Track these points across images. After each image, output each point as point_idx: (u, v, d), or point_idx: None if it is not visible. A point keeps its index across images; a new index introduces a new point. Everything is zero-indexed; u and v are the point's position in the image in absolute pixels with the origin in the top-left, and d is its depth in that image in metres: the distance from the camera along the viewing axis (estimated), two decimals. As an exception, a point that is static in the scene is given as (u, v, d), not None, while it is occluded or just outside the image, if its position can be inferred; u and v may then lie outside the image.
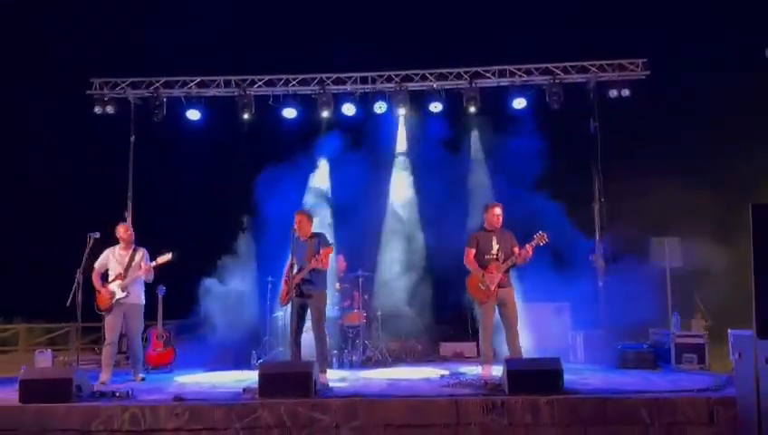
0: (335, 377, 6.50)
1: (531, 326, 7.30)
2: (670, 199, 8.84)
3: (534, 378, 5.00)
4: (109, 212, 9.28)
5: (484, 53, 9.39)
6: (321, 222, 8.60)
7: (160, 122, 9.32)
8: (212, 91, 9.42)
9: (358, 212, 9.03)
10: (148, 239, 6.92)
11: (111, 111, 9.28)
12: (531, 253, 6.24)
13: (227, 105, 9.38)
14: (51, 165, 12.02)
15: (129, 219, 9.04)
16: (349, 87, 9.29)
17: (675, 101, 9.85)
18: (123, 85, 9.33)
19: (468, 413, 4.81)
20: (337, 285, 8.28)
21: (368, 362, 7.87)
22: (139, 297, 6.72)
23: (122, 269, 6.61)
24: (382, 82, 9.24)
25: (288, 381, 5.06)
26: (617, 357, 7.16)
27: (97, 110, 9.28)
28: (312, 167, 9.35)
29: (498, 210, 6.44)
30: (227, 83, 9.38)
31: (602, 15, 10.32)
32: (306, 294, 6.13)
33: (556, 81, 8.95)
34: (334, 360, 7.70)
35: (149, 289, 6.93)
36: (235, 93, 9.32)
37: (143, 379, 6.65)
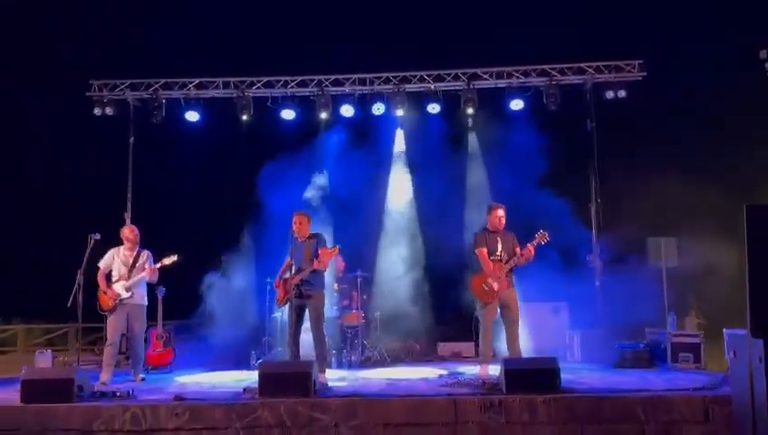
0: (334, 377, 6.54)
1: (528, 326, 7.34)
2: (667, 200, 8.90)
3: (531, 377, 5.05)
4: (108, 213, 9.33)
5: (481, 54, 9.44)
6: (321, 223, 8.63)
7: (159, 124, 9.37)
8: (211, 93, 9.46)
9: (357, 212, 9.07)
10: (147, 240, 6.95)
11: (111, 113, 9.31)
12: (533, 252, 6.30)
13: (226, 107, 9.42)
14: (50, 166, 12.03)
15: (129, 220, 9.07)
16: (347, 88, 9.33)
17: (672, 101, 9.90)
18: (122, 87, 9.36)
19: (466, 412, 4.85)
20: (336, 285, 8.31)
21: (367, 362, 7.91)
22: (143, 298, 6.77)
23: (127, 270, 6.66)
24: (380, 84, 9.29)
25: (288, 381, 5.10)
26: (614, 356, 7.22)
27: (96, 111, 9.31)
28: (311, 168, 9.38)
29: (501, 212, 6.50)
30: (226, 85, 9.42)
31: (599, 17, 10.36)
32: (305, 294, 6.18)
33: (553, 82, 9.01)
34: (333, 360, 7.73)
35: (149, 290, 6.96)
36: (234, 95, 9.36)
37: (143, 379, 6.69)
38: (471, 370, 6.93)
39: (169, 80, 9.39)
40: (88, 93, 9.36)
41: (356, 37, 10.51)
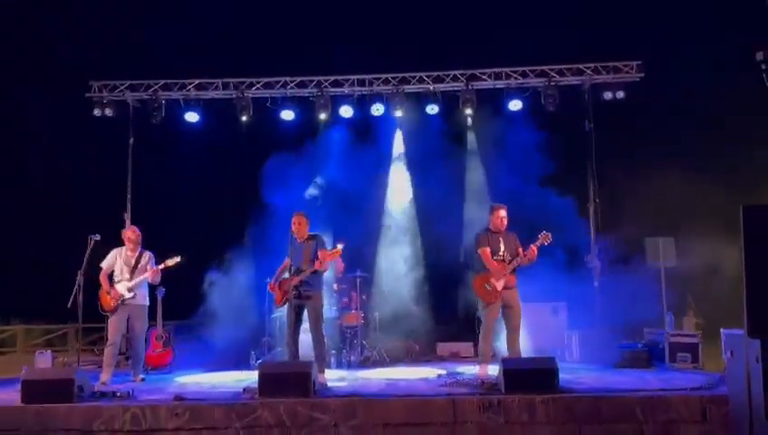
0: (334, 377, 6.56)
1: (527, 326, 7.35)
2: (665, 200, 8.92)
3: (530, 377, 5.07)
4: (108, 214, 9.35)
5: (480, 55, 9.47)
6: (320, 223, 8.65)
7: (159, 125, 9.39)
8: (210, 94, 9.48)
9: (356, 213, 9.09)
10: (146, 240, 6.96)
11: (110, 114, 9.34)
12: (536, 253, 6.33)
13: (225, 107, 9.43)
14: (50, 166, 12.04)
15: (128, 221, 9.09)
16: (346, 89, 9.35)
17: (670, 101, 9.92)
18: (122, 88, 9.38)
19: (465, 412, 4.88)
20: (335, 285, 8.34)
21: (366, 363, 7.93)
22: (145, 298, 6.80)
23: (129, 270, 6.69)
24: (379, 85, 9.31)
25: (287, 381, 5.13)
26: (612, 356, 7.24)
27: (96, 112, 9.33)
28: (310, 169, 9.40)
29: (503, 213, 6.53)
30: (225, 86, 9.44)
31: (597, 18, 10.38)
32: (304, 295, 6.20)
33: (551, 83, 9.04)
34: (333, 360, 7.76)
35: (149, 290, 6.98)
36: (234, 96, 9.38)
37: (143, 379, 6.70)
38: (470, 370, 6.96)
39: (169, 81, 9.41)
40: (88, 94, 9.38)
41: (355, 38, 10.52)
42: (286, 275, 6.39)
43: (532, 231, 6.71)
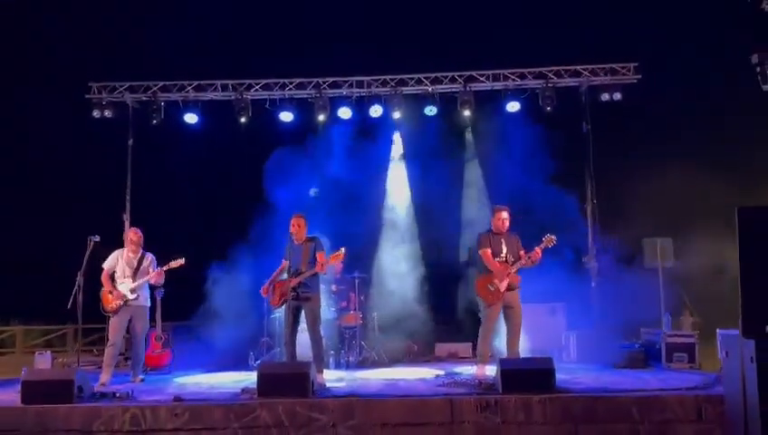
0: (332, 377, 6.59)
1: (525, 326, 7.36)
2: (663, 200, 8.95)
3: (527, 377, 5.11)
4: (107, 215, 9.37)
5: (478, 57, 9.50)
6: (319, 224, 8.68)
7: (158, 126, 9.41)
8: (209, 95, 9.51)
9: (354, 214, 9.11)
10: (145, 242, 6.99)
11: (110, 115, 9.38)
12: (540, 255, 6.36)
13: (224, 109, 9.46)
14: (49, 167, 12.05)
15: (127, 222, 9.12)
16: (345, 91, 9.39)
17: (667, 102, 9.95)
18: (121, 89, 9.42)
19: (463, 412, 4.91)
20: (334, 286, 8.36)
21: (364, 363, 7.96)
22: (146, 299, 6.85)
23: (131, 272, 6.72)
24: (378, 86, 9.35)
25: (286, 382, 5.16)
26: (610, 357, 7.27)
27: (95, 113, 9.37)
28: (309, 170, 9.42)
29: (505, 214, 6.56)
30: (225, 87, 9.47)
31: (595, 19, 10.41)
32: (302, 297, 6.24)
33: (549, 84, 9.08)
34: (331, 361, 7.78)
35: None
36: (233, 97, 9.41)
37: (142, 380, 6.73)
38: (468, 370, 6.99)
39: (168, 82, 9.45)
40: (87, 96, 9.42)
41: (354, 40, 10.55)
42: (284, 276, 6.42)
43: (531, 231, 6.75)
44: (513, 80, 9.22)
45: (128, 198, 9.34)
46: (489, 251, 6.47)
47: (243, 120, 9.35)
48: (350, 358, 7.93)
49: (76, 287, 6.09)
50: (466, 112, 9.30)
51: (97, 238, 6.29)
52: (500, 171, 9.16)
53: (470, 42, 10.65)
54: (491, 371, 6.05)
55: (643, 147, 9.82)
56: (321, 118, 9.36)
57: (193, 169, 9.76)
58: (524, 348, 7.12)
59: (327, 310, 7.91)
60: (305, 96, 9.44)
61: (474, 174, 9.84)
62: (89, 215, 9.48)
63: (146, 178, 9.61)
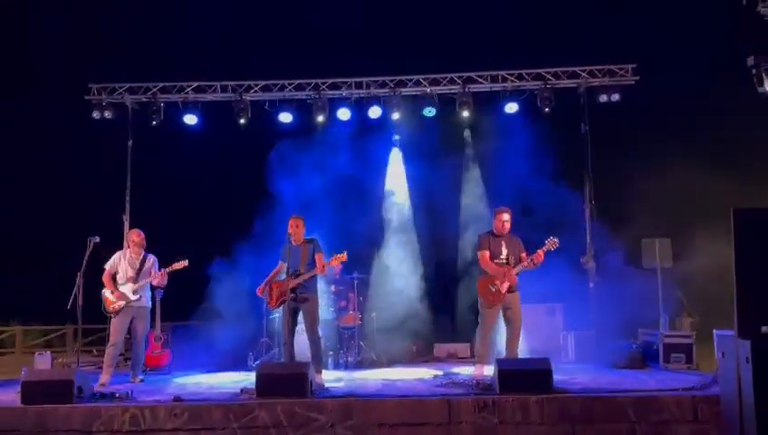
0: (331, 378, 6.62)
1: (524, 327, 7.38)
2: (662, 201, 8.99)
3: (524, 378, 5.14)
4: (106, 216, 9.39)
5: (476, 58, 9.53)
6: (318, 225, 8.71)
7: (158, 127, 9.44)
8: (209, 97, 9.53)
9: (353, 214, 9.14)
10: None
11: (109, 116, 9.39)
12: (542, 257, 6.38)
13: (224, 110, 9.49)
14: (49, 168, 12.09)
15: (127, 223, 9.14)
16: (344, 92, 9.41)
17: (665, 103, 9.99)
18: (121, 90, 9.43)
19: (460, 412, 4.94)
20: (332, 286, 8.39)
21: (363, 364, 7.98)
22: (148, 300, 6.90)
23: (134, 273, 6.75)
24: (377, 87, 9.37)
25: (285, 382, 5.19)
26: (607, 357, 7.30)
27: (95, 114, 9.38)
28: (308, 171, 9.44)
29: (506, 216, 6.58)
30: (224, 89, 9.49)
31: (593, 21, 10.44)
32: (300, 298, 6.27)
33: (547, 86, 9.09)
34: (330, 361, 7.81)
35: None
36: (232, 98, 9.43)
37: (142, 380, 6.76)
38: (467, 371, 7.01)
39: (168, 83, 9.47)
40: (87, 97, 9.44)
41: (353, 41, 10.59)
42: (282, 276, 6.45)
43: (529, 232, 6.78)
44: (512, 81, 9.24)
45: (127, 198, 9.35)
46: (487, 253, 6.50)
47: (242, 121, 9.37)
48: (349, 358, 7.96)
49: (76, 288, 6.11)
50: (465, 113, 9.32)
51: (97, 239, 6.31)
52: (498, 172, 9.18)
53: (469, 43, 10.68)
54: (489, 371, 6.08)
55: (641, 148, 9.85)
56: (321, 119, 9.38)
57: (192, 169, 9.79)
58: (523, 348, 7.14)
59: (326, 310, 7.94)
60: (304, 97, 9.46)
61: (472, 175, 9.85)
62: (88, 215, 9.53)
63: (145, 179, 9.63)
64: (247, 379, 6.40)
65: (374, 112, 9.36)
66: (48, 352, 8.42)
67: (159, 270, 6.88)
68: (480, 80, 9.28)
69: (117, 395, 5.44)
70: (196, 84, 9.49)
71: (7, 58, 11.74)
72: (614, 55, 9.12)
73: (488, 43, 10.55)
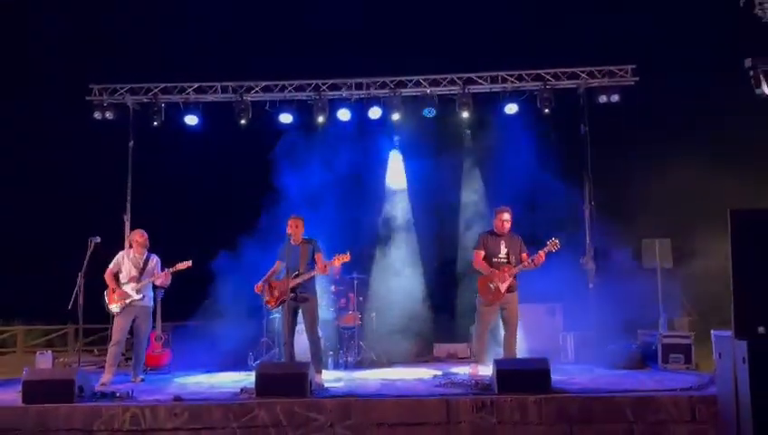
0: (330, 378, 6.64)
1: (523, 327, 7.42)
2: (661, 201, 9.00)
3: (523, 378, 5.15)
4: (108, 216, 9.43)
5: (476, 59, 9.56)
6: (318, 225, 8.74)
7: (159, 127, 9.47)
8: (209, 97, 9.56)
9: (353, 215, 9.17)
10: (145, 243, 7.05)
11: (110, 117, 9.43)
12: (543, 259, 6.39)
13: (225, 110, 9.52)
14: (50, 169, 12.13)
15: (128, 223, 9.17)
16: (344, 93, 9.44)
17: (665, 104, 10.00)
18: (122, 91, 9.47)
19: (459, 412, 4.96)
20: (333, 287, 8.42)
21: (363, 364, 8.00)
22: (151, 300, 6.94)
23: (137, 272, 6.79)
24: (377, 88, 9.40)
25: (284, 382, 5.21)
26: (607, 357, 7.31)
27: (96, 115, 9.42)
28: (308, 171, 9.47)
29: (506, 216, 6.59)
30: (225, 89, 9.52)
31: (592, 21, 10.46)
32: (300, 298, 6.30)
33: (547, 86, 9.11)
34: (330, 361, 7.83)
35: (149, 292, 7.08)
36: (233, 99, 9.47)
37: (142, 380, 6.79)
38: (466, 371, 7.01)
39: (168, 84, 9.50)
40: (88, 97, 9.47)
41: (353, 42, 10.62)
42: (280, 275, 6.47)
43: (529, 232, 6.80)
44: (512, 82, 9.26)
45: (128, 199, 9.39)
46: (482, 253, 6.53)
47: (243, 121, 9.40)
48: (349, 358, 7.98)
49: (77, 288, 6.14)
50: (465, 114, 9.34)
51: (98, 239, 6.34)
52: (498, 173, 9.21)
53: (469, 44, 10.71)
54: (485, 370, 6.11)
55: (641, 148, 9.87)
56: (321, 119, 9.41)
57: (193, 170, 9.83)
58: (522, 348, 7.17)
59: (326, 310, 7.96)
60: (305, 98, 9.49)
61: (472, 175, 9.88)
62: (89, 216, 9.56)
63: (146, 180, 9.66)
64: (247, 379, 6.42)
65: (374, 113, 9.38)
66: (49, 352, 8.46)
67: (163, 270, 6.91)
68: (480, 80, 9.30)
69: (117, 395, 5.48)
70: (197, 85, 9.52)
71: (9, 58, 11.78)
72: (614, 56, 9.14)
73: (488, 44, 10.58)
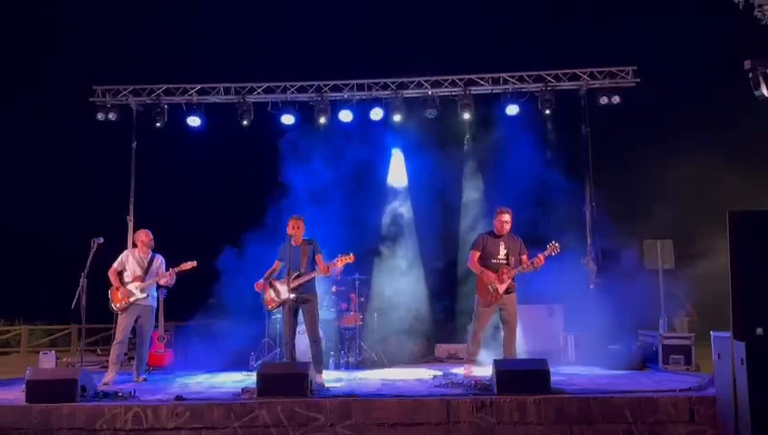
0: (331, 378, 6.67)
1: (524, 328, 7.45)
2: (662, 202, 9.00)
3: (522, 378, 5.16)
4: (111, 216, 9.49)
5: (477, 60, 9.59)
6: (319, 226, 8.77)
7: (161, 129, 9.52)
8: (212, 99, 9.62)
9: (354, 215, 9.19)
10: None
11: (114, 118, 9.49)
12: (543, 262, 6.40)
13: (227, 112, 9.57)
14: (54, 169, 12.20)
15: (131, 224, 9.22)
16: (345, 94, 9.48)
17: (666, 105, 10.01)
18: (125, 92, 9.54)
19: (458, 412, 4.97)
20: (334, 287, 8.44)
21: (363, 364, 8.02)
22: (154, 299, 6.99)
23: (142, 272, 6.83)
24: (378, 90, 9.43)
25: (285, 382, 5.24)
26: (607, 358, 7.32)
27: (99, 116, 9.48)
28: (309, 172, 9.50)
29: (506, 217, 6.59)
30: (227, 91, 9.58)
31: (593, 23, 10.48)
32: (301, 299, 6.33)
33: (548, 88, 9.15)
34: (331, 361, 7.85)
35: (152, 292, 7.12)
36: (235, 100, 9.51)
37: (145, 379, 6.83)
38: (460, 371, 7.04)
39: (171, 85, 9.56)
40: (91, 99, 9.53)
41: (355, 43, 10.66)
42: (280, 276, 6.51)
43: (529, 233, 6.82)
44: (513, 83, 9.29)
45: (131, 199, 9.44)
46: (477, 254, 6.54)
47: (245, 122, 9.45)
48: (350, 359, 8.00)
49: (80, 288, 6.18)
50: (466, 115, 9.37)
51: (101, 240, 6.38)
52: (499, 174, 9.23)
53: (470, 45, 10.74)
54: (479, 370, 6.13)
55: (642, 150, 9.88)
56: (323, 121, 9.45)
57: (195, 171, 9.88)
58: (522, 349, 7.19)
59: (327, 311, 7.99)
60: (306, 99, 9.53)
61: (473, 176, 9.90)
62: (92, 216, 9.63)
63: (149, 181, 9.72)
64: (249, 379, 6.47)
65: (376, 114, 9.42)
66: (52, 352, 8.49)
67: (167, 270, 6.95)
68: (481, 82, 9.34)
69: (120, 394, 5.51)
70: (199, 86, 9.58)
71: (12, 60, 11.84)
72: (615, 57, 9.17)
73: (489, 45, 10.61)
